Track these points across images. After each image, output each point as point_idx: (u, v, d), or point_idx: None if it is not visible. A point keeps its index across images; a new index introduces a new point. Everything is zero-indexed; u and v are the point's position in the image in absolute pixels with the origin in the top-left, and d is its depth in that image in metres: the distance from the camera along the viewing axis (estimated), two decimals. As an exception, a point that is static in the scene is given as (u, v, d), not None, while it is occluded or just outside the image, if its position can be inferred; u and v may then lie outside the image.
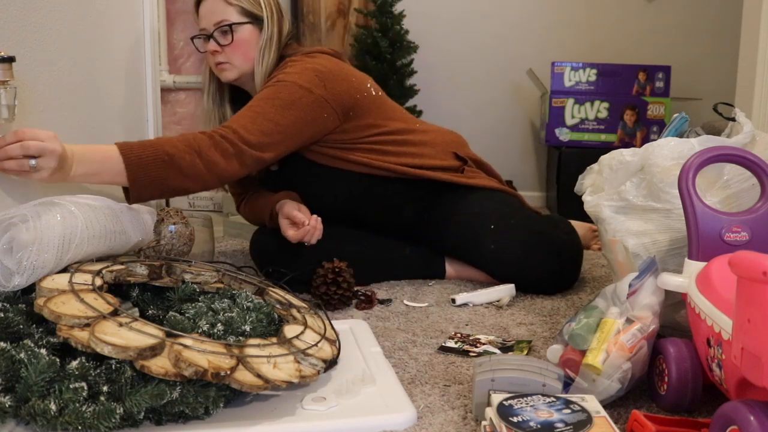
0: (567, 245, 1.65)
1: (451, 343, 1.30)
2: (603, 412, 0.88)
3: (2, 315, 1.00)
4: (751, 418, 0.76)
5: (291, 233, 1.55)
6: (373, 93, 1.69)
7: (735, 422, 0.78)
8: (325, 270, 1.51)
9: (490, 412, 0.89)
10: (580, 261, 1.69)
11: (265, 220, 1.69)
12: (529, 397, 0.91)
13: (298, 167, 1.67)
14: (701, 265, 1.02)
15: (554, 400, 0.91)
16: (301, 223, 1.54)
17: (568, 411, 0.88)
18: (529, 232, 1.63)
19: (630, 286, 1.08)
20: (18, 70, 1.29)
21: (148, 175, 1.31)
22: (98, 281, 1.08)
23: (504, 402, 0.90)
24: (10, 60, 1.26)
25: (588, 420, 0.85)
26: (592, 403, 0.90)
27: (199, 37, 1.67)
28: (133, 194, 1.33)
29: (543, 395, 0.92)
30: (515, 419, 0.85)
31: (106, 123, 1.89)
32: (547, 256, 1.61)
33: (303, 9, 2.91)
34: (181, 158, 1.36)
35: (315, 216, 1.56)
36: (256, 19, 1.63)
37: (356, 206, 1.72)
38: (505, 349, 1.27)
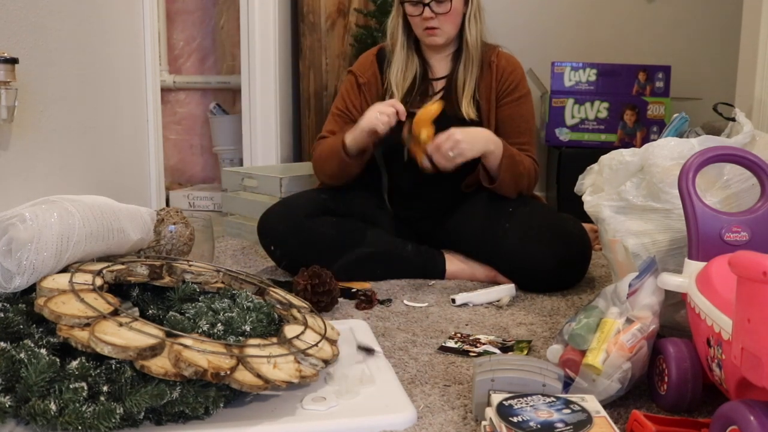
0: (578, 238, 1.67)
1: (451, 343, 1.30)
2: (603, 412, 0.88)
3: (2, 315, 1.00)
4: (751, 418, 0.76)
5: (399, 106, 1.66)
6: None
7: (735, 422, 0.78)
8: (304, 279, 1.49)
9: (490, 412, 0.89)
10: (588, 256, 1.70)
11: (342, 145, 1.72)
12: (528, 397, 0.91)
13: None
14: (701, 265, 1.02)
15: (554, 400, 0.91)
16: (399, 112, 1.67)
17: (568, 411, 0.88)
18: (543, 219, 1.68)
19: (630, 286, 1.08)
20: (18, 70, 1.29)
21: (506, 174, 1.69)
22: (98, 281, 1.08)
23: (504, 402, 0.90)
24: (13, 61, 1.26)
25: (588, 420, 0.85)
26: (591, 403, 0.90)
27: (411, 1, 1.74)
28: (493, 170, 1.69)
29: (543, 395, 0.92)
30: (515, 419, 0.85)
31: (106, 123, 1.89)
32: (557, 243, 1.63)
33: (303, 9, 2.91)
34: (520, 174, 1.72)
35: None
36: None
37: (420, 192, 1.82)
38: (505, 349, 1.27)
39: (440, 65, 1.86)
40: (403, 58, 1.82)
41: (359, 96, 1.85)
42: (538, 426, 0.84)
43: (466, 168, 1.69)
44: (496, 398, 0.91)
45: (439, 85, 1.85)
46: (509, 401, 0.90)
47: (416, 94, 1.82)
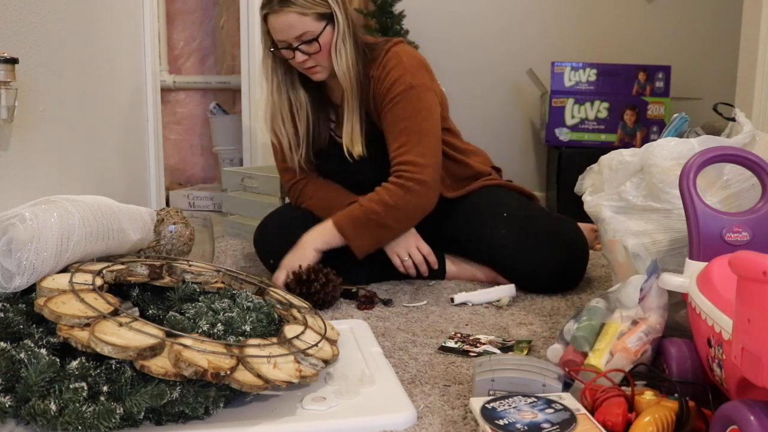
0: (575, 242, 1.67)
1: (451, 343, 1.30)
2: (583, 410, 0.89)
3: (2, 315, 1.00)
4: (751, 418, 0.76)
5: (416, 255, 1.68)
6: None
7: (735, 422, 0.78)
8: (294, 284, 1.51)
9: (478, 418, 0.89)
10: (585, 260, 1.70)
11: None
12: (510, 399, 0.91)
13: (381, 155, 1.68)
14: (702, 265, 1.02)
15: (535, 400, 0.91)
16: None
17: (551, 410, 0.88)
18: (539, 224, 1.67)
19: (641, 290, 1.08)
20: (18, 70, 1.29)
21: (368, 240, 1.61)
22: (98, 281, 1.08)
23: (486, 405, 0.89)
24: (13, 61, 1.26)
25: (572, 418, 0.86)
26: (570, 401, 0.91)
27: (280, 48, 1.62)
28: (359, 252, 1.62)
29: (523, 396, 0.92)
30: (501, 422, 0.85)
31: (106, 123, 1.89)
32: (554, 248, 1.62)
33: (303, 9, 2.90)
34: (385, 218, 1.59)
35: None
36: (330, 18, 1.60)
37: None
38: (505, 349, 1.27)
39: (337, 89, 1.73)
40: (285, 102, 1.70)
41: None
42: (525, 427, 0.84)
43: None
44: (477, 402, 0.90)
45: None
46: (491, 404, 0.90)
47: (321, 127, 1.75)
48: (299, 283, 1.50)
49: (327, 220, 1.62)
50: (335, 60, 1.61)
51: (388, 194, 1.59)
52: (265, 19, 1.62)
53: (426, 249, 1.70)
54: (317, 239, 1.60)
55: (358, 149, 1.65)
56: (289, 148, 1.73)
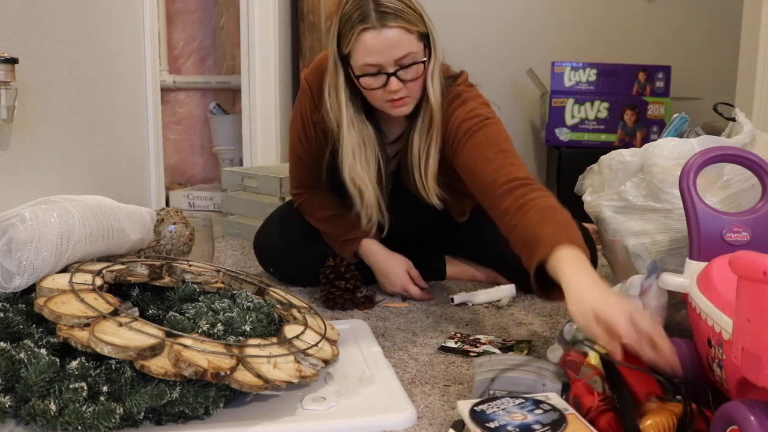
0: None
1: (451, 343, 1.30)
2: (571, 409, 0.89)
3: (2, 315, 1.00)
4: (752, 418, 0.76)
5: (414, 291, 1.58)
6: None
7: (735, 422, 0.78)
8: (330, 268, 1.52)
9: (467, 422, 0.88)
10: (593, 263, 1.67)
11: (341, 240, 1.63)
12: (497, 400, 0.91)
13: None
14: (702, 265, 1.02)
15: (523, 401, 0.90)
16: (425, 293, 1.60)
17: (540, 411, 0.88)
18: None
19: (641, 286, 1.08)
20: (18, 70, 1.29)
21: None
22: (98, 281, 1.08)
23: (475, 408, 0.89)
24: (13, 61, 1.26)
25: (562, 419, 0.85)
26: (558, 401, 0.91)
27: (370, 74, 1.37)
28: None
29: (511, 397, 0.92)
30: (492, 425, 0.84)
31: (106, 123, 1.89)
32: None
33: (303, 9, 2.91)
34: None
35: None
36: (428, 40, 1.41)
37: (413, 222, 1.64)
38: (505, 349, 1.27)
39: (394, 124, 1.54)
40: (360, 141, 1.45)
41: (314, 136, 1.57)
42: (517, 429, 0.83)
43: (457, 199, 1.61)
44: (464, 405, 0.90)
45: (392, 149, 1.56)
46: (480, 407, 0.89)
47: (383, 164, 1.52)
48: (334, 269, 1.51)
49: (568, 251, 1.14)
50: (431, 91, 1.41)
51: (550, 198, 1.36)
52: (340, 40, 1.38)
53: (421, 283, 1.61)
54: (590, 269, 1.11)
55: (435, 194, 1.47)
56: (362, 194, 1.50)
